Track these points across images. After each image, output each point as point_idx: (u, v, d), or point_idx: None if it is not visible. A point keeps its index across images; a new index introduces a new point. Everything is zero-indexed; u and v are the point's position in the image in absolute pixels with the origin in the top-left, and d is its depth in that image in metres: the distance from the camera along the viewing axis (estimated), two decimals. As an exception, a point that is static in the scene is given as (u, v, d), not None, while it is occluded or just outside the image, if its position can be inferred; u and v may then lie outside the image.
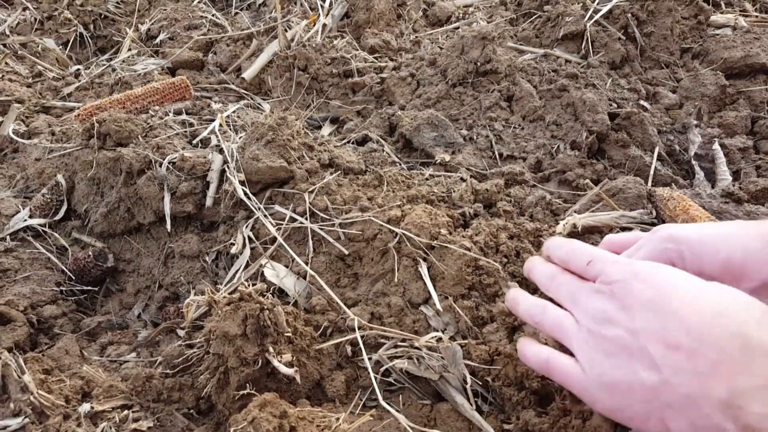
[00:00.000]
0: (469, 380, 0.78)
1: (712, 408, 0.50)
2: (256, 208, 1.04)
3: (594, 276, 0.65)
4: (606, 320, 0.60)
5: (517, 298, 0.75)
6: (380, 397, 0.75)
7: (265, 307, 0.78)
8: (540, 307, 0.70)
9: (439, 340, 0.81)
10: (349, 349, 0.87)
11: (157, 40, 1.93)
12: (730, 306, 0.53)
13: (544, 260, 0.75)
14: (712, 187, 1.18)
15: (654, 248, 0.67)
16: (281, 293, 0.98)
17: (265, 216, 1.04)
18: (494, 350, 0.81)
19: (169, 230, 1.11)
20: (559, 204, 1.09)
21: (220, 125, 1.25)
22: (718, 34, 1.60)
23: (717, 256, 0.63)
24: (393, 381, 0.84)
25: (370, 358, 0.85)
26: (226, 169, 1.09)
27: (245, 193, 1.05)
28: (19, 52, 1.90)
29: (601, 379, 0.59)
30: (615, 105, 1.36)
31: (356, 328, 0.84)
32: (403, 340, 0.85)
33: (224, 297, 0.81)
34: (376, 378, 0.80)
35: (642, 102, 1.42)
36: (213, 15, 1.99)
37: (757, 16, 1.73)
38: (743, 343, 0.50)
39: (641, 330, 0.56)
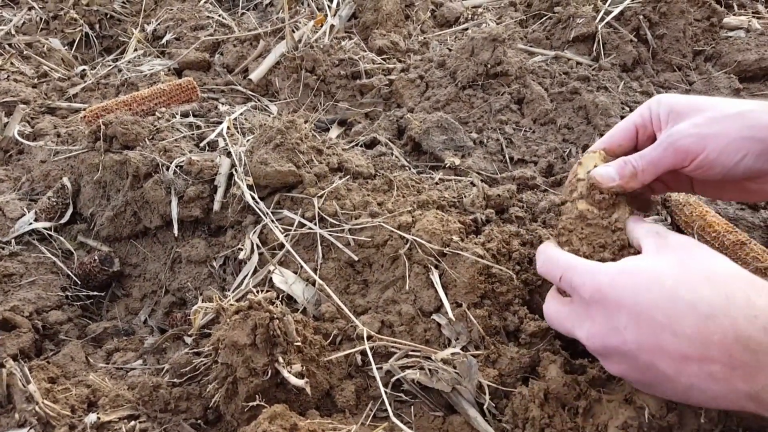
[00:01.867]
0: (486, 399, 0.76)
1: (740, 399, 0.53)
2: (264, 214, 1.02)
3: (569, 291, 0.67)
4: (602, 348, 0.62)
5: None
6: (391, 412, 0.74)
7: (275, 316, 0.76)
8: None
9: (455, 354, 0.79)
10: (359, 358, 0.86)
11: (164, 41, 1.92)
12: (714, 304, 0.54)
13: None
14: (728, 193, 1.16)
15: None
16: (290, 300, 0.96)
17: (273, 222, 1.02)
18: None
19: (176, 235, 1.10)
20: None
21: (228, 128, 1.23)
22: (731, 37, 1.58)
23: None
24: (405, 391, 0.82)
25: (380, 368, 0.83)
26: (234, 173, 1.08)
27: (253, 198, 1.04)
28: (25, 52, 1.89)
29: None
30: (627, 108, 1.34)
31: (365, 339, 0.82)
32: (416, 350, 0.83)
33: (232, 305, 0.79)
34: (386, 391, 0.78)
35: (655, 105, 1.40)
36: (219, 15, 1.98)
37: (770, 18, 1.71)
38: (745, 346, 0.52)
39: (638, 349, 0.58)
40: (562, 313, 0.69)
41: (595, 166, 0.76)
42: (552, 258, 0.71)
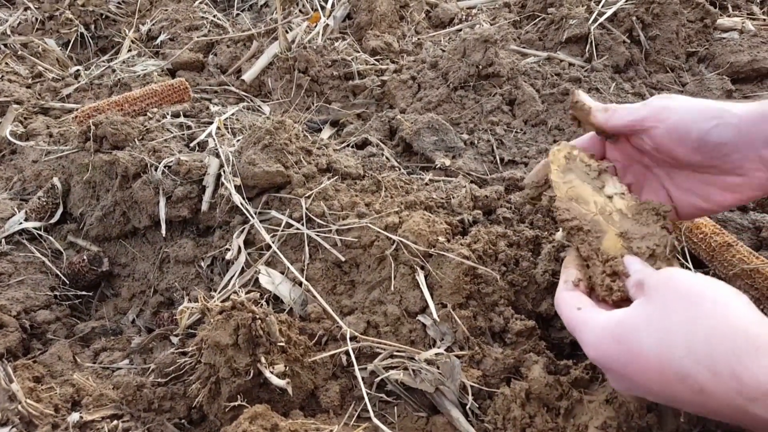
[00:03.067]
0: (470, 399, 0.76)
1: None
2: (251, 215, 1.02)
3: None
4: (606, 366, 0.61)
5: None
6: (372, 414, 0.74)
7: (257, 316, 0.76)
8: None
9: (439, 355, 0.79)
10: (344, 358, 0.86)
11: (158, 41, 1.92)
12: (702, 382, 0.51)
13: None
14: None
15: None
16: (276, 300, 0.96)
17: (259, 223, 1.02)
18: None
19: (164, 235, 1.10)
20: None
21: (218, 128, 1.23)
22: (724, 38, 1.57)
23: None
24: (389, 392, 0.82)
25: (364, 369, 0.83)
26: (222, 173, 1.08)
27: (240, 200, 1.04)
28: (20, 53, 1.89)
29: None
30: (619, 109, 1.34)
31: (348, 341, 0.82)
32: (400, 350, 0.83)
33: (217, 305, 0.79)
34: (368, 393, 0.78)
35: (646, 106, 1.40)
36: (214, 16, 1.98)
37: (764, 20, 1.71)
38: (743, 413, 0.50)
39: (649, 394, 0.58)
40: (571, 314, 0.68)
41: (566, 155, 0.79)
42: (561, 302, 0.70)
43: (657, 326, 0.55)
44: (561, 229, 0.83)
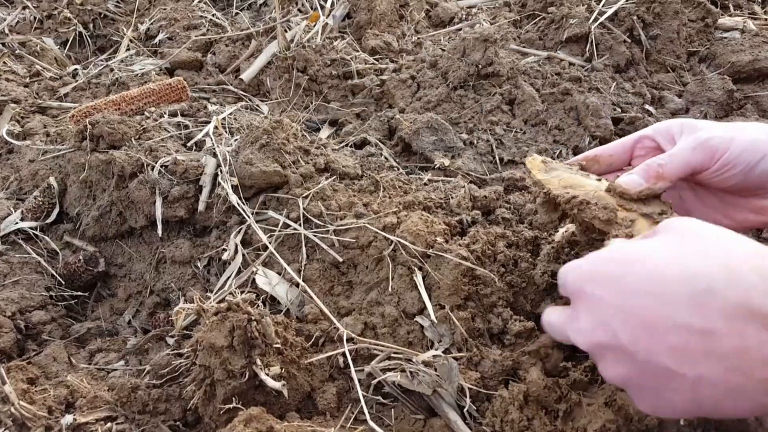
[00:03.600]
0: (467, 401, 0.75)
1: (758, 393, 0.46)
2: (247, 215, 1.01)
3: (565, 294, 0.63)
4: (593, 347, 0.57)
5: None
6: (368, 416, 0.73)
7: (253, 318, 0.75)
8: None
9: (436, 356, 0.78)
10: (341, 360, 0.85)
11: (156, 40, 1.91)
12: (712, 276, 0.48)
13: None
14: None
15: None
16: (273, 301, 0.95)
17: (255, 224, 1.01)
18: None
19: (160, 235, 1.09)
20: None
21: (216, 128, 1.22)
22: (725, 38, 1.57)
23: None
24: (386, 394, 0.81)
25: (361, 370, 0.82)
26: (219, 173, 1.07)
27: (237, 200, 1.03)
28: (18, 52, 1.89)
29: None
30: (619, 109, 1.33)
31: (345, 342, 0.82)
32: (398, 352, 0.82)
33: (212, 306, 0.79)
34: (365, 395, 0.77)
35: (647, 106, 1.39)
36: (213, 15, 1.97)
37: (766, 20, 1.70)
38: (764, 323, 0.45)
39: (632, 343, 0.51)
40: (559, 319, 0.64)
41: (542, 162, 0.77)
42: (561, 272, 0.65)
43: (674, 250, 0.52)
44: (563, 222, 0.83)
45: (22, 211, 1.21)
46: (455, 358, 0.80)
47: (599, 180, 0.76)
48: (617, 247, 0.59)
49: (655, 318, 0.49)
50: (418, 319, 0.86)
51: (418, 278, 0.89)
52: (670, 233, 0.55)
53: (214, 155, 1.11)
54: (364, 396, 0.78)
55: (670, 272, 0.50)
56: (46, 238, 1.19)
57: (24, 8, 2.11)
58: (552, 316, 0.67)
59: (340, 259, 0.95)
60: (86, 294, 1.14)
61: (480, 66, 1.38)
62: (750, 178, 0.68)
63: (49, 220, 1.22)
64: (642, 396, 0.54)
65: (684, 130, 0.73)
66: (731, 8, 1.74)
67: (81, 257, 1.11)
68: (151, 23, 1.98)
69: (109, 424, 0.78)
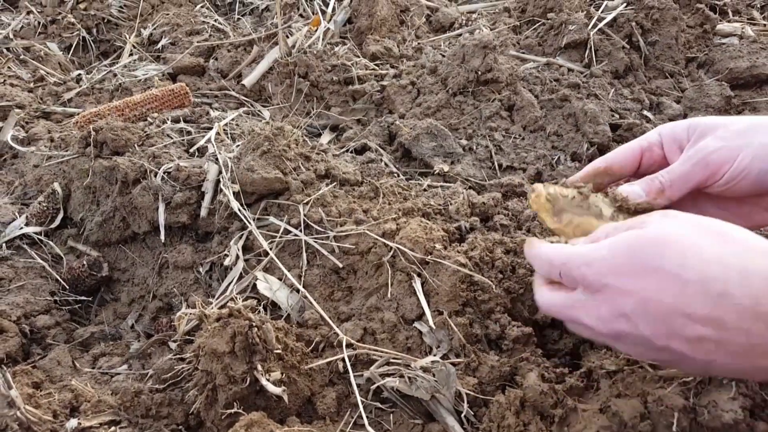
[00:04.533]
0: (465, 407, 0.76)
1: (762, 372, 0.54)
2: (248, 221, 1.03)
3: (571, 284, 0.63)
4: (614, 334, 0.59)
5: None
6: (366, 421, 0.74)
7: (254, 324, 0.77)
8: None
9: (434, 362, 0.79)
10: (341, 365, 0.86)
11: (159, 46, 1.93)
12: (727, 281, 0.52)
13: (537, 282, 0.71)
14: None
15: None
16: (274, 306, 0.97)
17: (257, 229, 1.03)
18: None
19: (162, 240, 1.10)
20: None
21: (218, 134, 1.24)
22: (724, 44, 1.58)
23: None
24: (385, 399, 0.82)
25: (360, 375, 0.84)
26: (221, 179, 1.08)
27: (239, 206, 1.04)
28: (22, 57, 1.90)
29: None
30: (617, 116, 1.35)
31: (344, 348, 0.83)
32: (397, 357, 0.84)
33: (214, 312, 0.80)
34: (363, 401, 0.78)
35: (645, 112, 1.40)
36: (215, 20, 1.99)
37: (765, 25, 1.71)
38: (766, 322, 0.50)
39: (652, 335, 0.55)
40: (563, 301, 0.64)
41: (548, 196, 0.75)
42: (544, 255, 0.66)
43: (693, 251, 0.54)
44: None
45: (27, 216, 1.23)
46: (453, 364, 0.81)
47: (613, 216, 0.74)
48: (635, 242, 0.58)
49: (675, 315, 0.54)
50: (416, 324, 0.88)
51: (417, 284, 0.90)
52: (680, 219, 0.58)
53: (216, 162, 1.12)
54: (362, 401, 0.79)
55: (689, 276, 0.53)
56: (51, 243, 1.21)
57: (28, 13, 2.12)
58: (554, 299, 0.65)
59: (340, 265, 0.97)
60: (90, 298, 1.16)
61: (479, 72, 1.39)
62: (763, 182, 0.65)
63: (53, 226, 1.23)
64: (653, 362, 0.65)
65: (690, 135, 0.70)
66: (730, 14, 1.75)
67: (85, 262, 1.13)
68: (154, 28, 2.00)
69: (112, 428, 0.79)
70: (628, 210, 0.72)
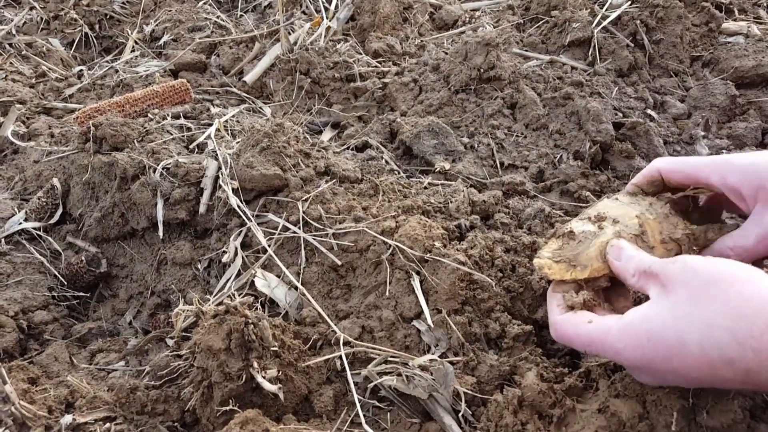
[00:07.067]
0: (463, 406, 0.75)
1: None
2: (247, 218, 1.02)
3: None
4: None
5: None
6: (363, 420, 0.74)
7: (250, 321, 0.76)
8: None
9: (432, 361, 0.79)
10: (338, 363, 0.85)
11: (161, 42, 1.92)
12: (744, 314, 0.53)
13: None
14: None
15: None
16: (272, 303, 0.96)
17: (256, 226, 1.02)
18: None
19: (161, 237, 1.10)
20: (559, 216, 1.07)
21: (217, 130, 1.23)
22: (729, 42, 1.56)
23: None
24: (382, 398, 0.82)
25: (358, 373, 0.83)
26: (220, 176, 1.08)
27: (237, 202, 1.03)
28: (24, 52, 1.90)
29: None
30: (620, 114, 1.33)
31: (342, 346, 0.82)
32: (395, 356, 0.83)
33: (211, 309, 0.79)
34: (360, 399, 0.78)
35: (649, 111, 1.39)
36: (218, 17, 1.98)
37: (770, 24, 1.69)
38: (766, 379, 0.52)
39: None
40: (594, 334, 0.66)
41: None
42: (564, 326, 0.69)
43: (692, 318, 0.56)
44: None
45: (26, 212, 1.23)
46: (452, 363, 0.80)
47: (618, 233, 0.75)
48: (641, 317, 0.61)
49: (677, 377, 0.59)
50: (415, 323, 0.87)
51: (416, 282, 0.90)
52: (682, 291, 0.59)
53: (215, 158, 1.11)
54: (360, 399, 0.78)
55: (691, 350, 0.56)
56: (49, 238, 1.20)
57: (31, 9, 2.12)
58: (566, 323, 0.69)
59: (339, 263, 0.96)
60: (88, 294, 1.15)
61: (482, 70, 1.38)
62: None
63: (52, 221, 1.23)
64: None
65: (760, 197, 0.69)
66: (736, 13, 1.73)
67: (83, 258, 1.13)
68: (156, 25, 2.00)
69: (107, 425, 0.79)
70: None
